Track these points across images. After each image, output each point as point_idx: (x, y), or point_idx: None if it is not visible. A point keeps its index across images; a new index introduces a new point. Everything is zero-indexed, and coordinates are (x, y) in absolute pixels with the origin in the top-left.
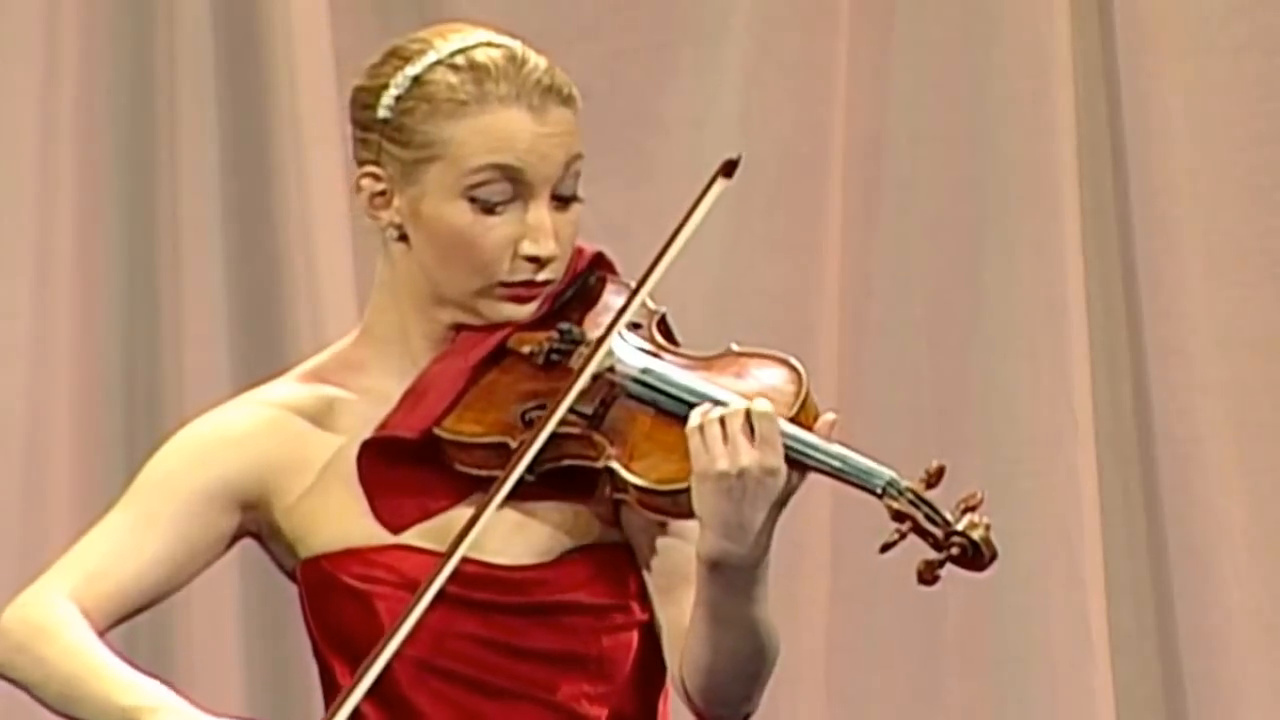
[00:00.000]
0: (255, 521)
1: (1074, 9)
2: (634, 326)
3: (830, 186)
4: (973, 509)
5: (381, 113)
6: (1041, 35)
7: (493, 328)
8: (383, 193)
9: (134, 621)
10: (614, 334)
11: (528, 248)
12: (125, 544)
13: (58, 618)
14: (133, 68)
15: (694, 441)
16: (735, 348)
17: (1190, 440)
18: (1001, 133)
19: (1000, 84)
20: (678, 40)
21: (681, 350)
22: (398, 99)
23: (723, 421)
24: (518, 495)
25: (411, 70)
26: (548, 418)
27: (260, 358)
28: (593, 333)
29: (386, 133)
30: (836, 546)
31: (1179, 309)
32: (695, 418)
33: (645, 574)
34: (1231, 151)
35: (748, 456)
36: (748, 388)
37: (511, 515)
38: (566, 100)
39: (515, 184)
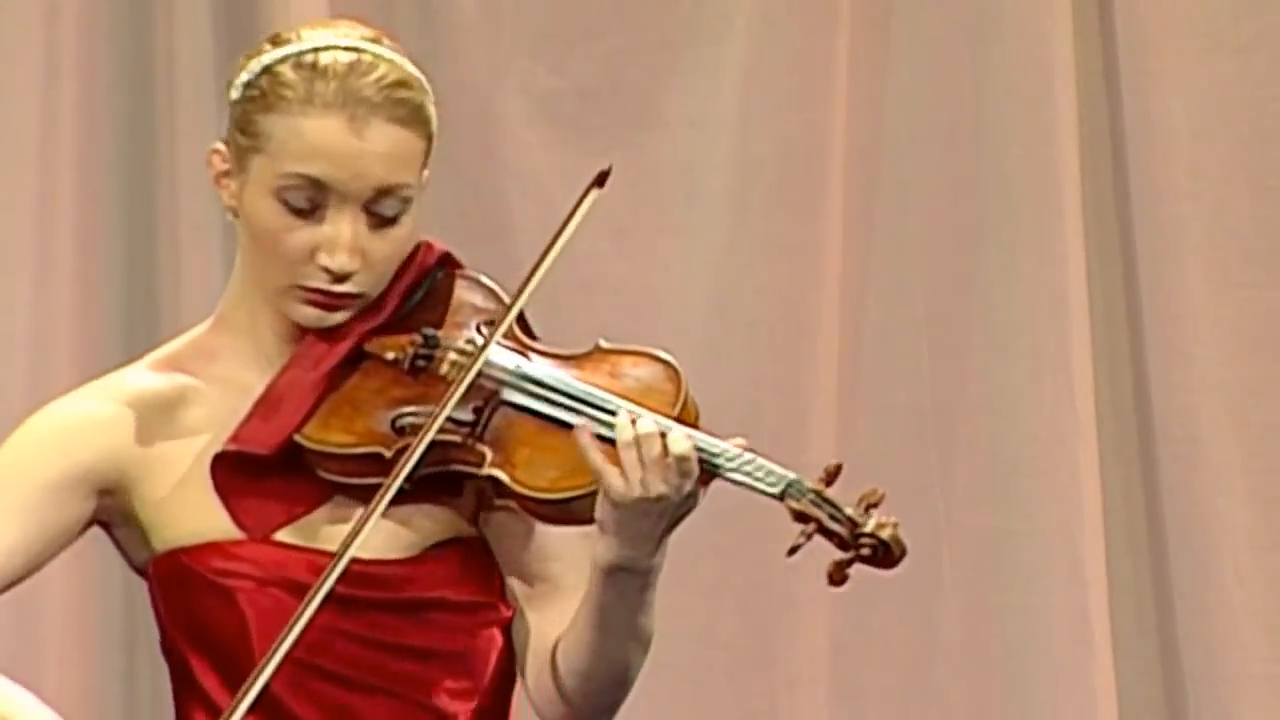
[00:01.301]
0: (109, 509)
1: (1075, 9)
2: (490, 324)
3: (830, 186)
4: (875, 505)
5: (232, 93)
6: (1043, 35)
7: (341, 333)
8: (226, 172)
9: (134, 620)
10: (495, 339)
11: (322, 258)
12: None
13: None
14: (133, 68)
15: (594, 459)
16: (604, 344)
17: (1190, 440)
18: (1002, 133)
19: (1000, 84)
20: (678, 40)
21: (548, 348)
22: (245, 84)
23: (638, 443)
24: (354, 492)
25: (265, 59)
26: (429, 427)
27: None
28: (454, 336)
29: (233, 115)
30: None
31: (1179, 309)
32: (584, 434)
33: (508, 580)
34: (1232, 151)
35: (667, 485)
36: (626, 387)
37: (359, 508)
38: (404, 121)
39: (320, 192)
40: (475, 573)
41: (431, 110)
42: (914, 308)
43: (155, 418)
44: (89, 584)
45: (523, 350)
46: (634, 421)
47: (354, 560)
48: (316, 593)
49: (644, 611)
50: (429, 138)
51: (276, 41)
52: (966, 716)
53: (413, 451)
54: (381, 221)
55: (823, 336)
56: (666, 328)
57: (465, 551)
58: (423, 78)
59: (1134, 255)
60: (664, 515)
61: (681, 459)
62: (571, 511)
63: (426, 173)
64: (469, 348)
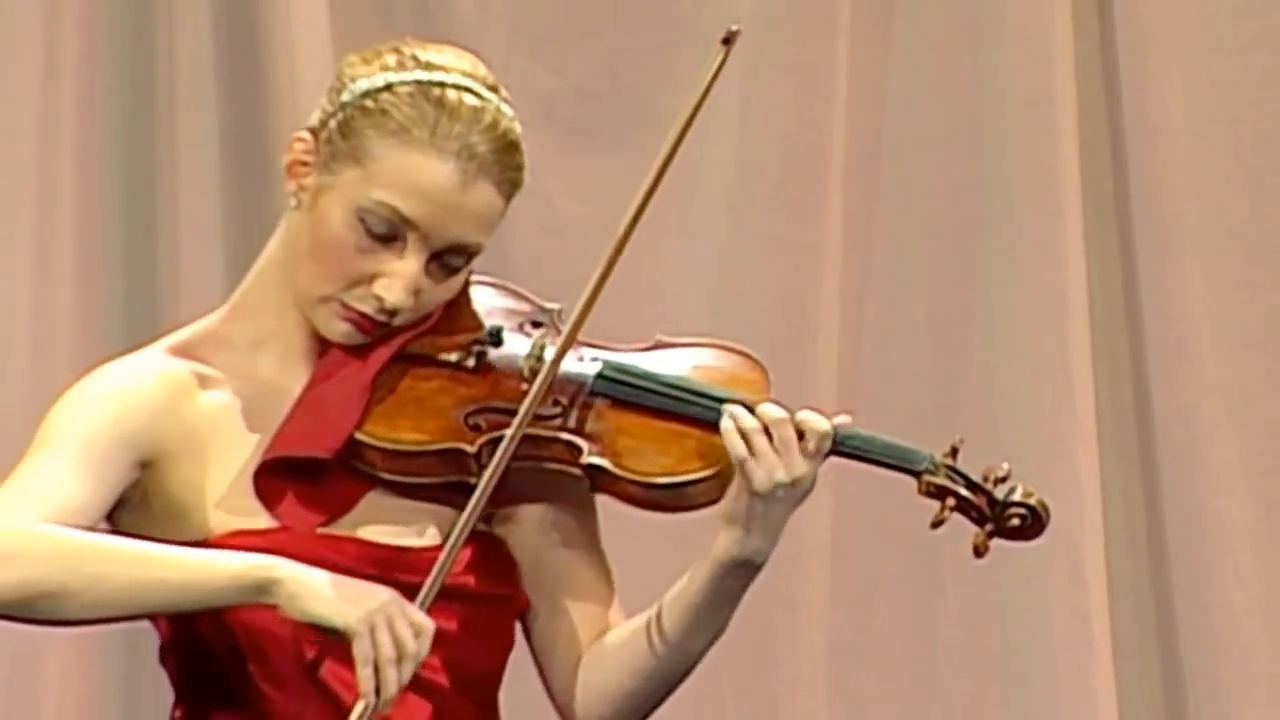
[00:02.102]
0: (140, 482)
1: (1075, 9)
2: (536, 325)
3: (830, 186)
4: (1003, 480)
5: (345, 95)
6: (1042, 35)
7: (386, 338)
8: (306, 162)
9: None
10: (579, 331)
11: (379, 287)
12: (62, 486)
13: (72, 531)
14: (133, 68)
15: (736, 448)
16: (664, 338)
17: (1190, 440)
18: (1002, 133)
19: (1000, 84)
20: (678, 40)
21: (607, 344)
22: (363, 93)
23: (768, 429)
24: (397, 488)
25: (390, 75)
26: (521, 421)
27: None
28: (519, 333)
29: (338, 115)
30: (836, 547)
31: (1180, 309)
32: (730, 422)
33: (534, 589)
34: (1232, 151)
35: (804, 466)
36: (713, 377)
37: (396, 502)
38: (503, 186)
39: (403, 228)
40: (493, 564)
41: (525, 175)
42: (914, 308)
43: (182, 399)
44: None
45: (603, 344)
46: (753, 410)
47: (386, 547)
48: (434, 584)
49: (736, 606)
50: (506, 203)
51: (399, 56)
52: (966, 716)
53: (507, 448)
54: (445, 268)
55: (823, 336)
56: (666, 328)
57: (482, 543)
58: (521, 136)
59: (1134, 255)
60: (796, 500)
61: (822, 436)
62: (685, 496)
63: None
64: (539, 343)
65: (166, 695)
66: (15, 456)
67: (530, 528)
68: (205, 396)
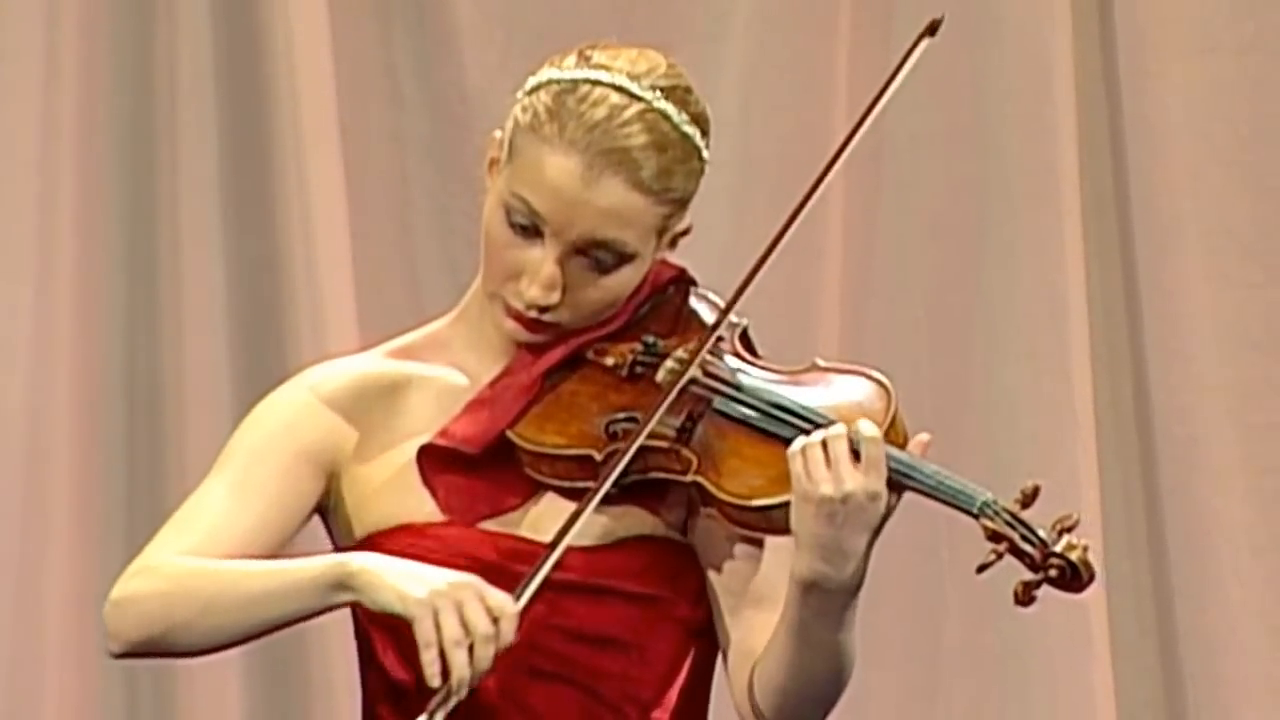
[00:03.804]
0: (329, 492)
1: (1074, 9)
2: (718, 340)
3: (831, 186)
4: (1069, 529)
5: (518, 94)
6: (1042, 35)
7: (562, 339)
8: (495, 160)
9: None
10: (708, 347)
11: (522, 283)
12: (225, 511)
13: (186, 561)
14: (133, 68)
15: (795, 464)
16: (820, 362)
17: (1190, 440)
18: (1002, 133)
19: (1000, 84)
20: (675, 40)
21: (765, 363)
22: (526, 92)
23: (825, 444)
24: (559, 489)
25: (547, 74)
26: (637, 434)
27: (260, 357)
28: (675, 346)
29: (513, 112)
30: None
31: (1179, 309)
32: (798, 441)
33: (714, 589)
34: (1232, 151)
35: (853, 481)
36: (837, 404)
37: (564, 502)
38: (639, 185)
39: (539, 222)
40: (661, 569)
41: (686, 179)
42: (914, 308)
43: (377, 403)
44: (89, 585)
45: (741, 363)
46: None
47: (534, 542)
48: (530, 581)
49: (843, 629)
50: (677, 203)
51: (580, 56)
52: (966, 715)
53: (623, 455)
54: (596, 266)
55: (823, 336)
56: None
57: (656, 548)
58: (699, 142)
59: (1133, 255)
60: (854, 522)
61: (869, 441)
62: (772, 520)
63: (688, 223)
64: (685, 355)
65: (167, 696)
66: (14, 456)
67: (715, 530)
68: (405, 399)
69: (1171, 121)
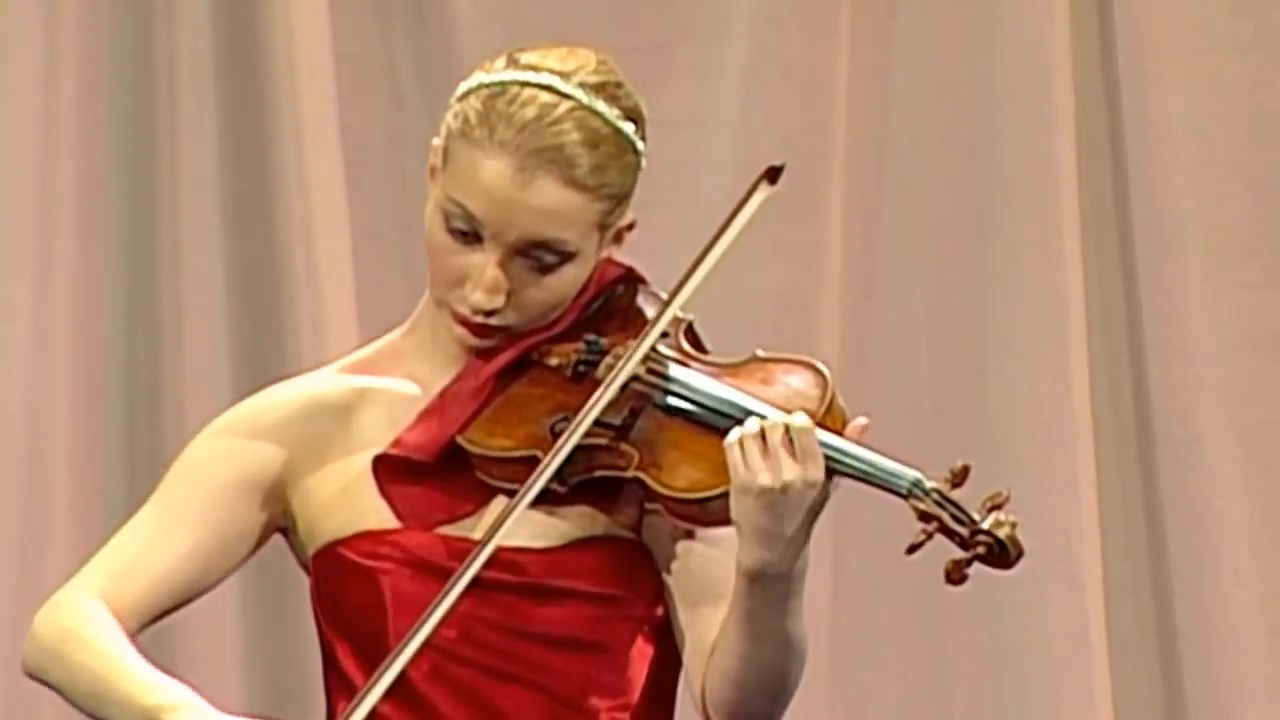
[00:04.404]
0: (283, 514)
1: (1073, 9)
2: (662, 335)
3: (831, 186)
4: (999, 507)
5: (451, 99)
6: (1041, 35)
7: (511, 342)
8: (435, 168)
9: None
10: (644, 348)
11: (466, 288)
12: (155, 540)
13: (86, 620)
14: (133, 68)
15: (733, 455)
16: (760, 353)
17: (1190, 440)
18: (1002, 133)
19: (1000, 84)
20: (677, 40)
21: (709, 358)
22: (459, 96)
23: (763, 435)
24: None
25: (477, 79)
26: (572, 430)
27: (260, 358)
28: (620, 344)
29: (446, 118)
30: (838, 547)
31: (1179, 309)
32: (734, 433)
33: (669, 589)
34: (1232, 151)
35: (790, 471)
36: (774, 394)
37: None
38: (573, 182)
39: (477, 226)
40: (618, 568)
41: (622, 174)
42: (914, 308)
43: (329, 421)
44: None
45: (683, 360)
46: (760, 417)
47: (498, 547)
48: (457, 580)
49: (790, 618)
50: (614, 199)
51: (509, 59)
52: (965, 716)
53: (555, 453)
54: (539, 267)
55: (823, 336)
56: None
57: (612, 548)
58: (632, 137)
59: (1133, 255)
60: (794, 510)
61: (800, 432)
62: (710, 512)
63: (630, 216)
64: (621, 351)
65: None
66: (14, 456)
67: (665, 528)
68: (361, 413)
69: (1171, 121)
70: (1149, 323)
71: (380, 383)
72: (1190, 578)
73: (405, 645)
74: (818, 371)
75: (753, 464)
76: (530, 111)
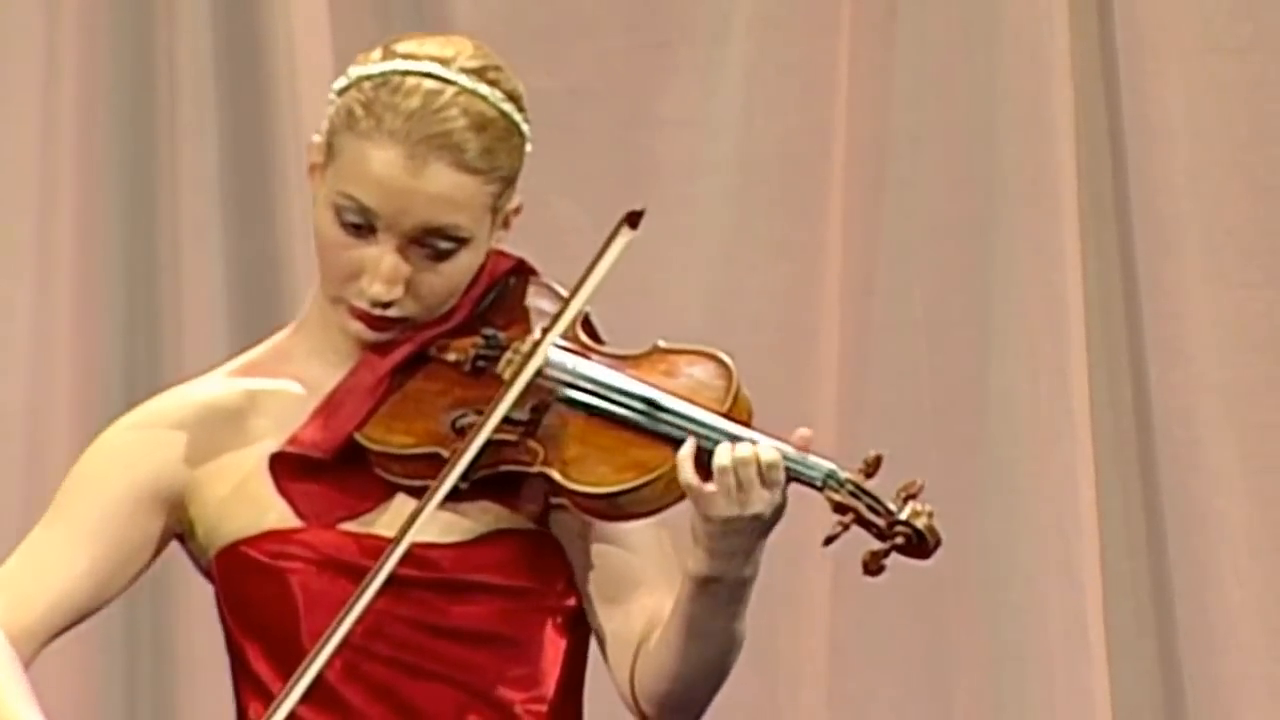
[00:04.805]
0: (179, 521)
1: (1073, 9)
2: (559, 329)
3: (831, 186)
4: (914, 496)
5: (330, 94)
6: (1041, 36)
7: (405, 338)
8: (316, 166)
9: (135, 621)
10: (546, 345)
11: (363, 281)
12: (53, 560)
13: None
14: (133, 68)
15: (686, 477)
16: (662, 344)
17: (1190, 440)
18: (1001, 133)
19: (1000, 84)
20: (677, 40)
21: (609, 349)
22: (339, 91)
23: (735, 471)
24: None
25: (358, 70)
26: (480, 426)
27: None
28: (518, 338)
29: (328, 114)
30: (837, 547)
31: (1179, 309)
32: (685, 449)
33: (583, 582)
34: (1232, 151)
35: (761, 503)
36: (678, 385)
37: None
38: (466, 166)
39: (371, 218)
40: (528, 560)
41: (510, 156)
42: (914, 308)
43: (220, 425)
44: None
45: (583, 352)
46: (733, 444)
47: (411, 544)
48: (372, 579)
49: (737, 618)
50: (504, 181)
51: (385, 50)
52: (964, 716)
53: (464, 450)
54: (435, 254)
55: (823, 336)
56: (666, 328)
57: (521, 540)
58: (516, 118)
59: (1133, 255)
60: (755, 532)
61: (769, 466)
62: (619, 507)
63: (518, 200)
64: (526, 346)
65: (167, 695)
66: (14, 456)
67: (574, 521)
68: (253, 416)
69: (1171, 121)
70: (1149, 323)
71: (271, 384)
72: (1190, 578)
73: (323, 645)
74: (721, 363)
75: (729, 496)
76: (415, 99)
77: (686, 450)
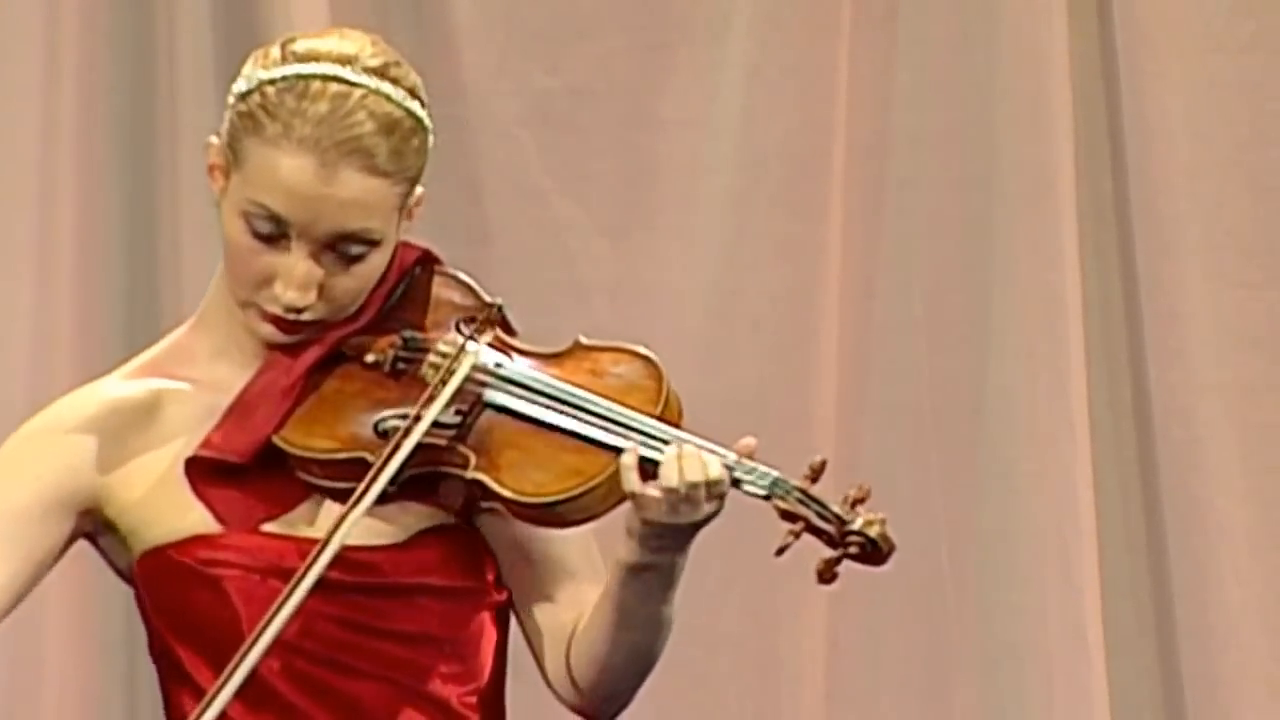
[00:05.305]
0: (91, 523)
1: (1072, 9)
2: (469, 322)
3: (831, 186)
4: (861, 501)
5: (229, 97)
6: (1041, 36)
7: (317, 337)
8: (217, 167)
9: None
10: (469, 355)
11: (276, 287)
12: None
13: None
14: (133, 68)
15: (630, 484)
16: (584, 340)
17: (1190, 440)
18: (1001, 133)
19: (1000, 84)
20: (677, 40)
21: (530, 348)
22: (240, 95)
23: (687, 490)
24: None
25: (260, 74)
26: (408, 432)
27: None
28: (435, 336)
29: (225, 121)
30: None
31: (1178, 309)
32: (671, 473)
33: (512, 576)
34: (1231, 151)
35: (702, 512)
36: (607, 385)
37: (334, 502)
38: (377, 170)
39: (282, 225)
40: (462, 559)
41: (417, 155)
42: (914, 308)
43: (127, 425)
44: (88, 587)
45: (503, 349)
46: (679, 460)
47: (343, 546)
48: (301, 579)
49: (667, 603)
50: (411, 180)
51: (280, 51)
52: (964, 716)
53: (390, 457)
54: (347, 258)
55: (823, 336)
56: (666, 328)
57: (451, 538)
58: (421, 114)
59: (1132, 255)
60: (696, 529)
61: (715, 483)
62: (557, 514)
63: (419, 190)
64: (449, 349)
65: None
66: None
67: (500, 519)
68: (159, 415)
69: (1170, 121)
70: (1148, 323)
71: (175, 383)
72: (1190, 577)
73: (249, 647)
74: (649, 361)
75: (671, 506)
76: (323, 105)
77: (630, 460)
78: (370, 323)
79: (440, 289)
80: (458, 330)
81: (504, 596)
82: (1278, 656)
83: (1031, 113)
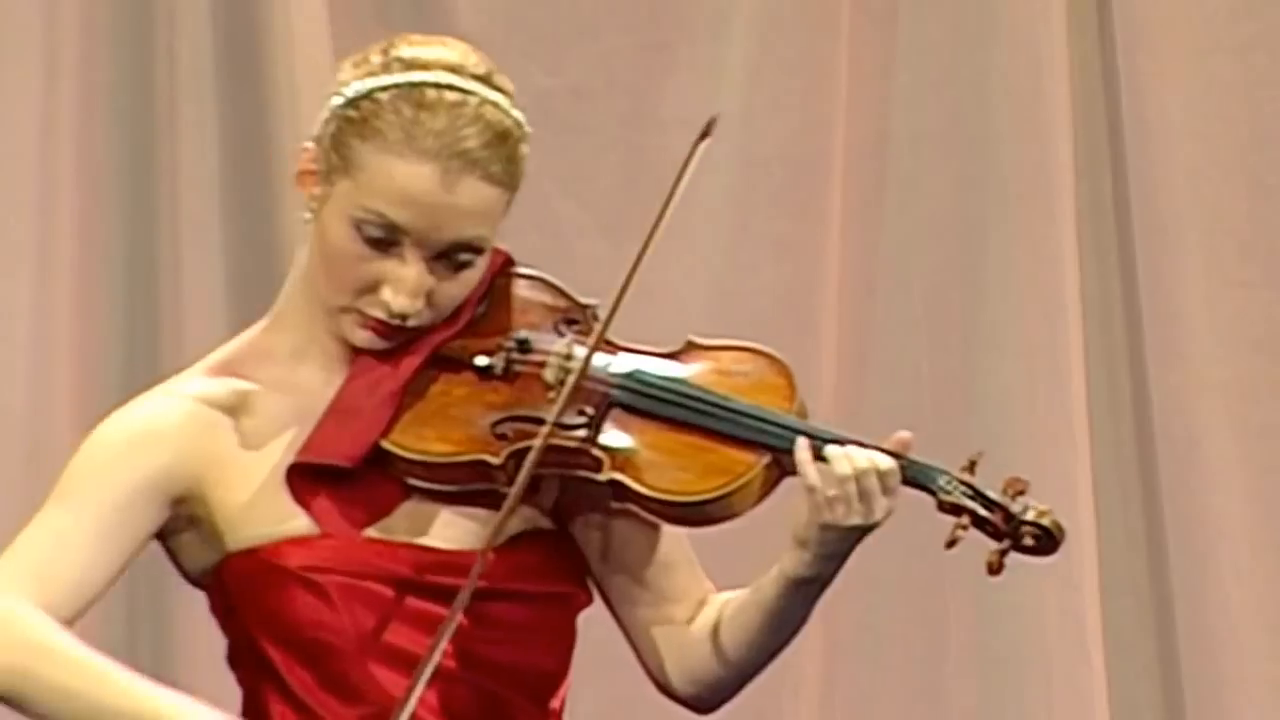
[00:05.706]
0: (178, 516)
1: (1071, 9)
2: (570, 323)
3: (831, 186)
4: (1022, 493)
5: (333, 100)
6: (1040, 36)
7: (417, 342)
8: (312, 171)
9: (135, 621)
10: (602, 340)
11: (385, 293)
12: (65, 545)
13: (46, 633)
14: (133, 68)
15: (811, 478)
16: (696, 339)
17: (1190, 440)
18: (1001, 133)
19: (999, 84)
20: (677, 39)
21: (634, 345)
22: (347, 102)
23: (857, 480)
24: (432, 494)
25: (372, 81)
26: (547, 433)
27: None
28: (540, 337)
29: (329, 126)
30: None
31: (1178, 309)
32: (844, 465)
33: (612, 572)
34: (1231, 151)
35: (881, 512)
36: (736, 384)
37: (435, 505)
38: (495, 178)
39: (397, 233)
40: (559, 564)
41: (522, 163)
42: (914, 307)
43: (220, 421)
44: None
45: (613, 350)
46: (847, 456)
47: (438, 550)
48: (467, 591)
49: (812, 610)
50: (516, 188)
51: (383, 58)
52: (964, 716)
53: (531, 458)
54: (455, 265)
55: (823, 336)
56: (666, 328)
57: (544, 543)
58: (523, 121)
59: (1132, 255)
60: (866, 532)
61: (887, 473)
62: (704, 513)
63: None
64: (565, 349)
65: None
66: (14, 455)
67: (600, 518)
68: (245, 415)
69: (1170, 122)
70: (1148, 323)
71: (258, 386)
72: (1190, 578)
73: (425, 665)
74: (774, 360)
75: (853, 506)
76: (442, 114)
77: (804, 454)
78: (466, 327)
79: (525, 290)
80: (557, 331)
81: (591, 599)
82: (1278, 656)
83: (1031, 113)
